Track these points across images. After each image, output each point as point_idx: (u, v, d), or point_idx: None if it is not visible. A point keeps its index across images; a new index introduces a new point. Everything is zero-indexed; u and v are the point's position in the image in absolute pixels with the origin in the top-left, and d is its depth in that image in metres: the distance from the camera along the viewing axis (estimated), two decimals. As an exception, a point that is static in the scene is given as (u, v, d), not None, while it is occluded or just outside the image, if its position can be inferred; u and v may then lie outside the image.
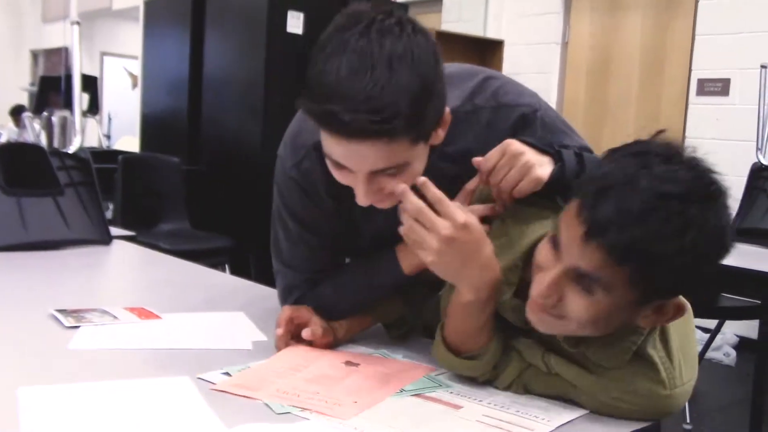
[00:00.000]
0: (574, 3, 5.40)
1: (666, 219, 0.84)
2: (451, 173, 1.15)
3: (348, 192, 1.09)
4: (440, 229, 0.96)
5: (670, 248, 0.85)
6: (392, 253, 1.24)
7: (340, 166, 1.03)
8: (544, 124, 1.20)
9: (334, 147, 1.00)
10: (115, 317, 1.35)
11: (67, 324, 1.28)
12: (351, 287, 1.29)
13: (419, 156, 1.04)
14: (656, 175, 0.86)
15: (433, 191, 0.97)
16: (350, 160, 1.00)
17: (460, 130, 1.17)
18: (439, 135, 1.07)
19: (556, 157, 1.10)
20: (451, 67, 1.15)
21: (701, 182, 0.87)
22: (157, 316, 1.38)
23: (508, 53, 5.65)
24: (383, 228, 1.20)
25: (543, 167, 1.09)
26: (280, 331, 1.20)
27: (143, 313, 1.39)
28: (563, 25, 5.43)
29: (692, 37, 4.72)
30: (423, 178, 0.97)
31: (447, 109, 1.06)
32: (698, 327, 4.30)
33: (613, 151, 0.94)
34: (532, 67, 5.55)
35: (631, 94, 5.05)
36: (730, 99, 4.53)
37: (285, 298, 1.31)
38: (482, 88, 1.20)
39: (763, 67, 3.80)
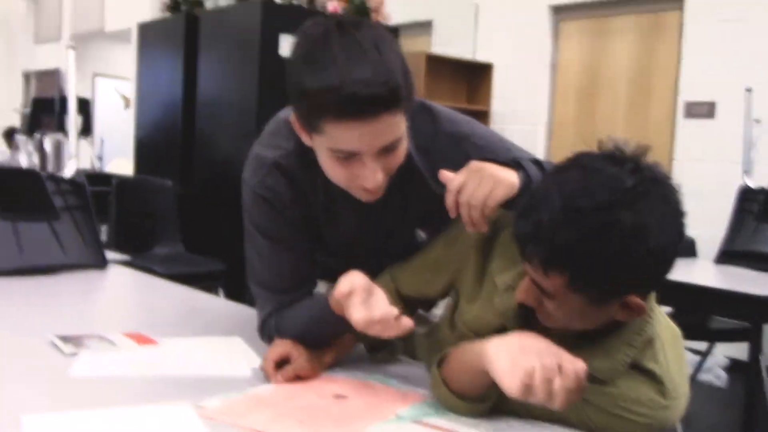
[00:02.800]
0: (563, 26, 5.48)
1: (576, 229, 0.92)
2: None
3: (311, 203, 1.28)
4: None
5: (586, 254, 0.92)
6: None
7: (345, 159, 1.11)
8: (477, 147, 1.29)
9: (346, 134, 1.07)
10: (113, 343, 1.36)
11: (66, 351, 1.29)
12: (319, 321, 1.28)
13: (405, 131, 1.14)
14: (571, 190, 0.94)
15: None
16: (363, 141, 1.08)
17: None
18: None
19: (517, 167, 1.17)
20: None
21: (617, 190, 0.92)
22: (154, 342, 1.39)
23: (497, 76, 5.72)
24: (346, 234, 1.34)
25: (511, 175, 1.15)
26: (273, 380, 1.21)
27: (141, 339, 1.40)
28: (552, 48, 5.49)
29: (678, 60, 4.79)
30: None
31: None
32: (689, 349, 4.33)
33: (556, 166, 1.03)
34: (522, 89, 5.61)
35: (619, 116, 5.11)
36: (717, 121, 4.59)
37: (258, 315, 1.37)
38: (422, 116, 1.30)
39: (747, 90, 3.86)
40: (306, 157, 1.24)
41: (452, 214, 1.17)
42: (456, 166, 1.24)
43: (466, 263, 1.26)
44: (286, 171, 1.28)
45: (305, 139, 1.18)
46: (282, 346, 1.25)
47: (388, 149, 1.12)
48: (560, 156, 1.04)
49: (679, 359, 1.10)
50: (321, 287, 1.61)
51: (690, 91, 4.73)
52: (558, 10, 5.46)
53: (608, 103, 5.20)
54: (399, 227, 1.40)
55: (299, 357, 1.23)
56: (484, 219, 1.14)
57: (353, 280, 1.15)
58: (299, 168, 1.28)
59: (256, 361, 1.31)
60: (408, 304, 1.40)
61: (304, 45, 1.09)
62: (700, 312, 3.48)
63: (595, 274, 0.94)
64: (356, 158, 1.11)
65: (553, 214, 0.93)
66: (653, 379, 1.04)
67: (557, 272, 0.95)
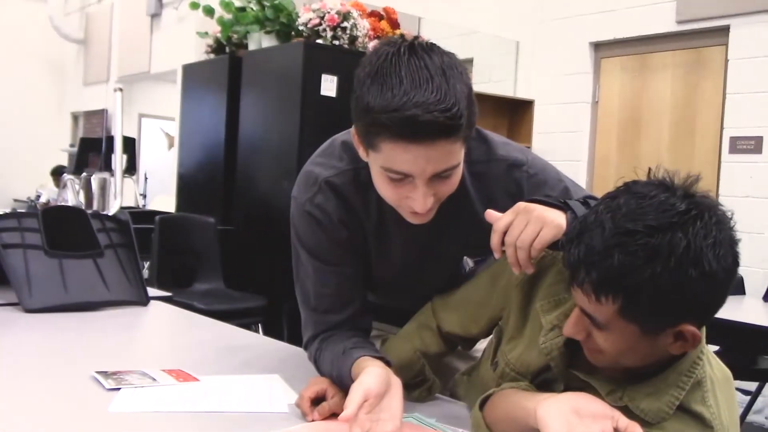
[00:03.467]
0: (604, 63, 5.46)
1: (629, 253, 0.90)
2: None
3: (361, 223, 1.28)
4: None
5: (639, 278, 0.90)
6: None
7: (397, 180, 1.12)
8: (530, 175, 1.30)
9: (401, 155, 1.08)
10: (153, 379, 1.37)
11: (107, 386, 1.30)
12: (342, 380, 1.25)
13: (461, 160, 1.15)
14: (622, 215, 0.93)
15: None
16: (417, 164, 1.08)
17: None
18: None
19: (565, 207, 1.14)
20: None
21: (670, 213, 0.91)
22: (195, 379, 1.39)
23: (538, 112, 5.71)
24: (395, 257, 1.34)
25: (559, 216, 1.12)
26: (309, 417, 1.20)
27: (181, 375, 1.41)
28: (593, 84, 5.48)
29: (723, 96, 4.74)
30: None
31: None
32: (738, 389, 4.21)
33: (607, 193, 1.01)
34: (563, 126, 5.59)
35: (662, 152, 5.06)
36: (764, 156, 4.51)
37: (306, 347, 1.38)
38: (477, 142, 1.30)
39: (796, 125, 3.79)
40: (359, 176, 1.26)
41: (497, 255, 1.15)
42: (508, 194, 1.26)
43: (510, 302, 1.24)
44: (337, 190, 1.28)
45: (362, 153, 1.18)
46: (318, 384, 1.25)
47: (441, 175, 1.12)
48: (602, 193, 1.02)
49: (729, 402, 1.06)
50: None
51: (735, 126, 4.66)
52: (599, 47, 5.45)
53: (651, 139, 5.15)
54: (447, 252, 1.39)
55: (335, 395, 1.23)
56: (530, 261, 1.12)
57: (366, 388, 1.11)
58: (352, 187, 1.28)
59: (293, 398, 1.31)
60: (448, 340, 1.38)
61: (374, 62, 1.09)
62: (749, 351, 3.38)
63: (648, 298, 0.91)
64: (408, 180, 1.12)
65: (604, 239, 0.92)
66: (702, 422, 1.01)
67: (610, 298, 0.93)
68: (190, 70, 5.03)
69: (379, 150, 1.10)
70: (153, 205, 7.50)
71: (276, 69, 4.16)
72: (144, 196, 8.45)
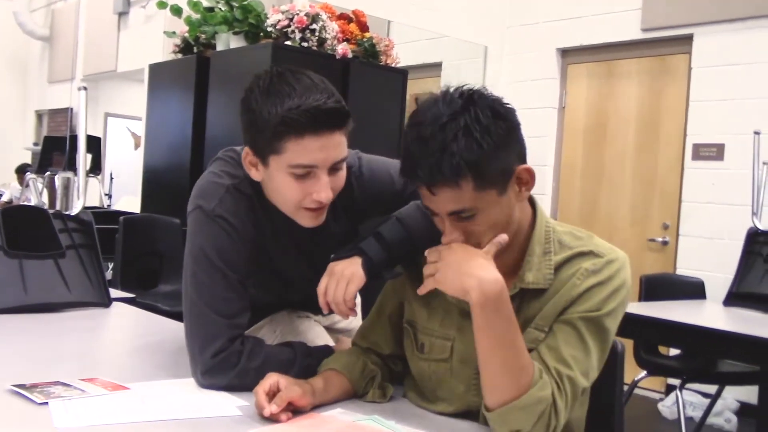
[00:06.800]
0: (570, 69, 5.52)
1: (452, 140, 1.14)
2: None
3: (262, 227, 1.41)
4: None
5: (469, 148, 1.14)
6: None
7: (302, 175, 1.28)
8: (357, 177, 1.48)
9: (306, 148, 1.26)
10: (82, 390, 1.27)
11: (38, 401, 1.20)
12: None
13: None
14: (433, 118, 1.17)
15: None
16: (321, 154, 1.27)
17: None
18: None
19: (359, 252, 1.37)
20: None
21: (455, 108, 1.18)
22: (126, 387, 1.31)
23: (505, 117, 5.73)
24: (291, 258, 1.51)
25: (356, 268, 1.35)
26: (267, 410, 1.18)
27: (109, 384, 1.32)
28: (560, 90, 5.53)
29: (686, 103, 4.81)
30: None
31: None
32: (699, 392, 4.28)
33: None
34: (529, 130, 5.58)
35: (626, 157, 5.12)
36: (725, 164, 4.59)
37: (206, 347, 1.33)
38: None
39: (756, 133, 3.87)
40: (255, 186, 1.39)
41: (325, 311, 1.38)
42: (340, 200, 1.39)
43: (408, 294, 1.40)
44: (243, 193, 1.40)
45: (255, 173, 1.35)
46: (270, 378, 1.24)
47: (336, 168, 1.31)
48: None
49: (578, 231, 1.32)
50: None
51: (698, 133, 4.74)
52: (566, 53, 5.51)
53: (616, 145, 5.21)
54: (326, 251, 1.48)
55: (289, 384, 1.23)
56: (349, 310, 1.36)
57: None
58: (252, 193, 1.40)
59: (239, 400, 1.29)
60: (386, 364, 1.46)
61: (261, 85, 1.29)
62: (709, 354, 3.44)
63: (479, 157, 1.14)
64: (311, 174, 1.29)
65: (428, 134, 1.15)
66: (585, 255, 1.26)
67: (463, 177, 1.13)
68: (157, 70, 4.98)
69: (285, 151, 1.26)
70: (119, 205, 7.41)
71: (244, 70, 4.13)
72: (109, 195, 8.34)
